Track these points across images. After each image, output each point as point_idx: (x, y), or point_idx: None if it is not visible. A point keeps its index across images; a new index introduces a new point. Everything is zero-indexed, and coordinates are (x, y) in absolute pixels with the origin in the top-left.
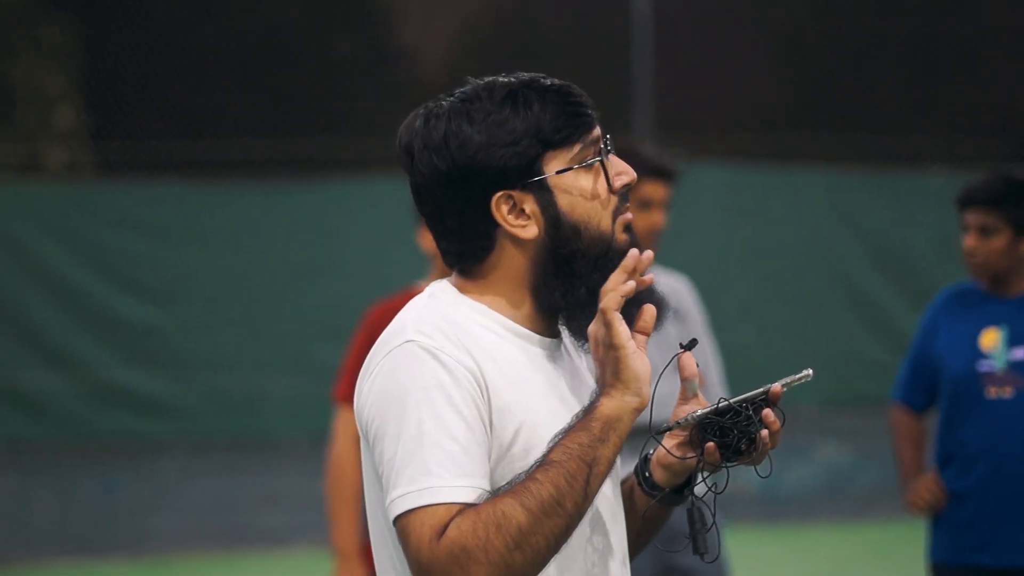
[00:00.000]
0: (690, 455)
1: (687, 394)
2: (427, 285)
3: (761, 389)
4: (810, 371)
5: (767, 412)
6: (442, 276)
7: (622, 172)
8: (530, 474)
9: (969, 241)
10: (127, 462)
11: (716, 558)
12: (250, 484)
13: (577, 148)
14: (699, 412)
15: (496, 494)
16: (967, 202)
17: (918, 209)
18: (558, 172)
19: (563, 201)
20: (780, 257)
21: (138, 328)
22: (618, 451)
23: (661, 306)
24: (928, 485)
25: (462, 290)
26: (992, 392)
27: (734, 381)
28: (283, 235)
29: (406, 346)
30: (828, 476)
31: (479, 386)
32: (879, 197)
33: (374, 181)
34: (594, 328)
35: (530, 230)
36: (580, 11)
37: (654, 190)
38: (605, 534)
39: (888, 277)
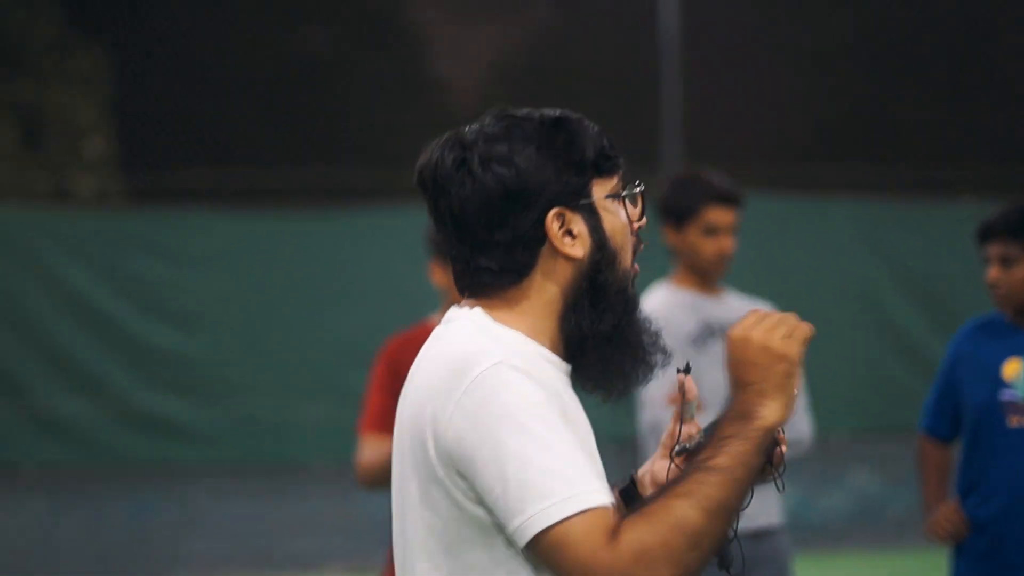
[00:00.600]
0: None
1: (685, 416)
2: (438, 317)
3: None
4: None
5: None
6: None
7: (641, 215)
8: (695, 477)
9: (992, 273)
10: (157, 487)
11: (741, 572)
12: (280, 509)
13: (616, 179)
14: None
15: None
16: (987, 234)
17: (949, 238)
18: (607, 196)
19: (608, 225)
20: (811, 286)
21: (168, 354)
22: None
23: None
24: (949, 514)
25: (495, 317)
26: (1014, 422)
27: None
28: (312, 262)
29: (496, 368)
30: (859, 503)
31: (561, 406)
32: (910, 226)
33: (404, 209)
34: (759, 333)
35: (577, 249)
36: (609, 43)
37: (721, 216)
38: None
39: (919, 305)
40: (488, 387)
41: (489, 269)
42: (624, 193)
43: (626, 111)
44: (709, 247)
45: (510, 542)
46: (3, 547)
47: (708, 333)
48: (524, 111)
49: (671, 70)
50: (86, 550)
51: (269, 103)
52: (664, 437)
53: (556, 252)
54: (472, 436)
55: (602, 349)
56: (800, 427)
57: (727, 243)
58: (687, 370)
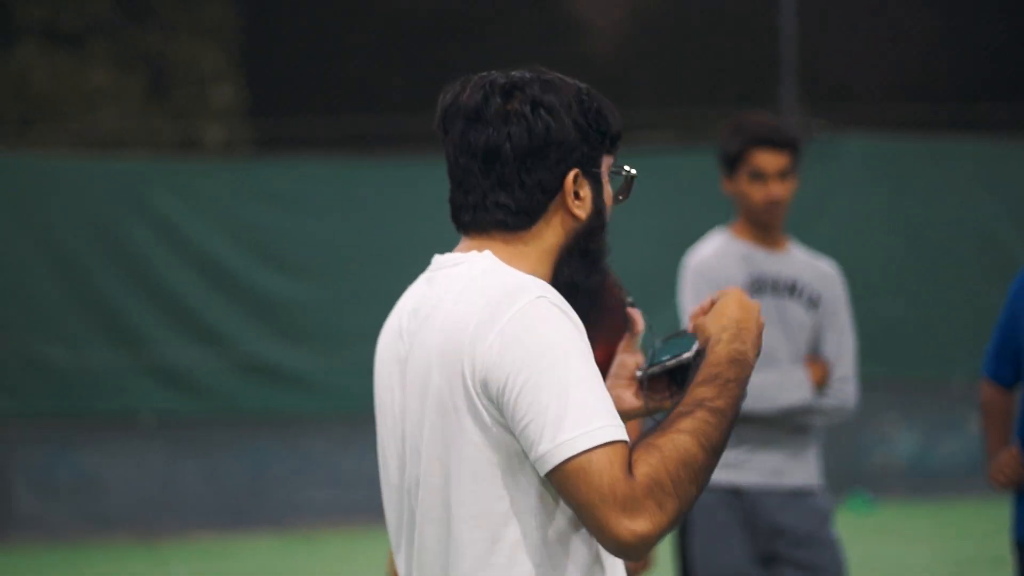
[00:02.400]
0: (664, 396)
1: (632, 346)
2: None
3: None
4: None
5: None
6: None
7: (617, 195)
8: (699, 416)
9: None
10: (275, 437)
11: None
12: None
13: (612, 157)
14: (688, 353)
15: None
16: None
17: None
18: (611, 172)
19: (606, 196)
20: (928, 228)
21: (287, 304)
22: None
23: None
24: (1009, 460)
25: (508, 260)
26: None
27: (885, 353)
28: (433, 210)
29: (539, 302)
30: (980, 450)
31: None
32: None
33: None
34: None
35: (582, 210)
36: None
37: (767, 160)
38: None
39: None
40: (531, 318)
41: (506, 207)
42: (625, 171)
43: (742, 52)
44: (757, 193)
45: (531, 471)
46: (123, 495)
47: (757, 287)
48: (556, 75)
49: (789, 13)
50: (204, 499)
51: (398, 48)
52: (614, 367)
53: (563, 208)
54: (510, 364)
55: (584, 302)
56: (844, 395)
57: (777, 189)
58: (632, 304)
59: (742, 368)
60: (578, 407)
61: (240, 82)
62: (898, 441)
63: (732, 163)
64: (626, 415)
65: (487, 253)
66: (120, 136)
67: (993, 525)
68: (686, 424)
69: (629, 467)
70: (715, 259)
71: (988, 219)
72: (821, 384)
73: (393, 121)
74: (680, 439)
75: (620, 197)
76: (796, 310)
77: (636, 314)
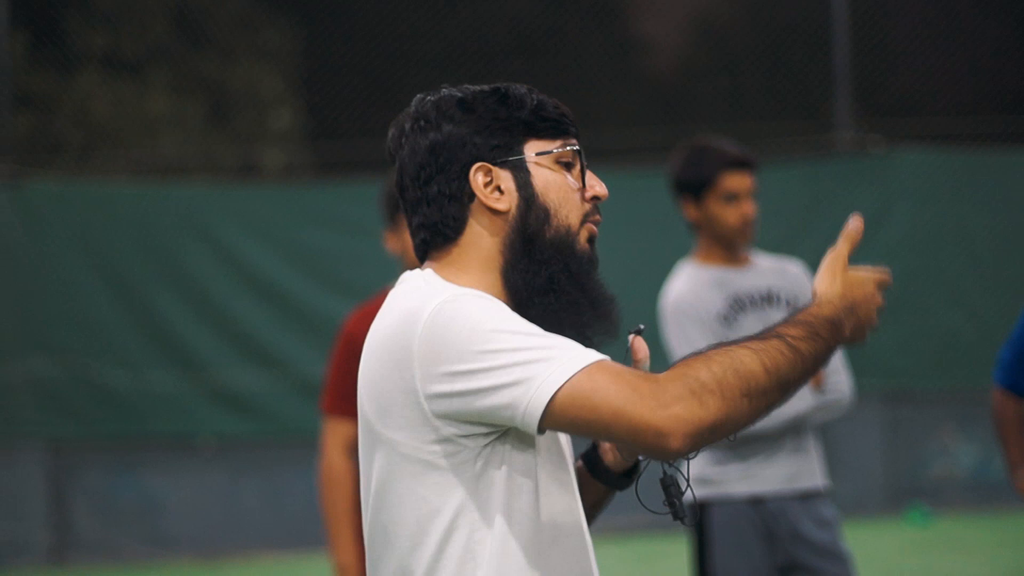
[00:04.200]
0: None
1: None
2: None
3: None
4: None
5: None
6: None
7: (596, 184)
8: (773, 343)
9: None
10: None
11: (695, 522)
12: None
13: (559, 143)
14: None
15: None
16: None
17: None
18: (538, 154)
19: (539, 182)
20: (986, 240)
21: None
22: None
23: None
24: None
25: (443, 276)
26: None
27: (944, 366)
28: None
29: (450, 298)
30: None
31: None
32: None
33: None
34: (868, 278)
35: (503, 203)
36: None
37: (738, 181)
38: (576, 511)
39: None
40: (445, 315)
41: (423, 226)
42: (555, 150)
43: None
44: (731, 215)
45: (449, 477)
46: (184, 518)
47: (738, 308)
48: (475, 86)
49: (841, 26)
50: (265, 520)
51: (460, 68)
52: None
53: (484, 207)
54: (448, 355)
55: (540, 303)
56: (840, 387)
57: (748, 208)
58: (639, 331)
59: (835, 335)
60: (542, 348)
61: (299, 106)
62: (958, 453)
63: (700, 187)
64: (620, 450)
65: (427, 271)
66: (180, 163)
67: None
68: (754, 343)
69: (635, 369)
70: (690, 292)
71: None
72: (818, 383)
73: None
74: (739, 352)
75: (584, 183)
76: (779, 317)
77: (638, 342)
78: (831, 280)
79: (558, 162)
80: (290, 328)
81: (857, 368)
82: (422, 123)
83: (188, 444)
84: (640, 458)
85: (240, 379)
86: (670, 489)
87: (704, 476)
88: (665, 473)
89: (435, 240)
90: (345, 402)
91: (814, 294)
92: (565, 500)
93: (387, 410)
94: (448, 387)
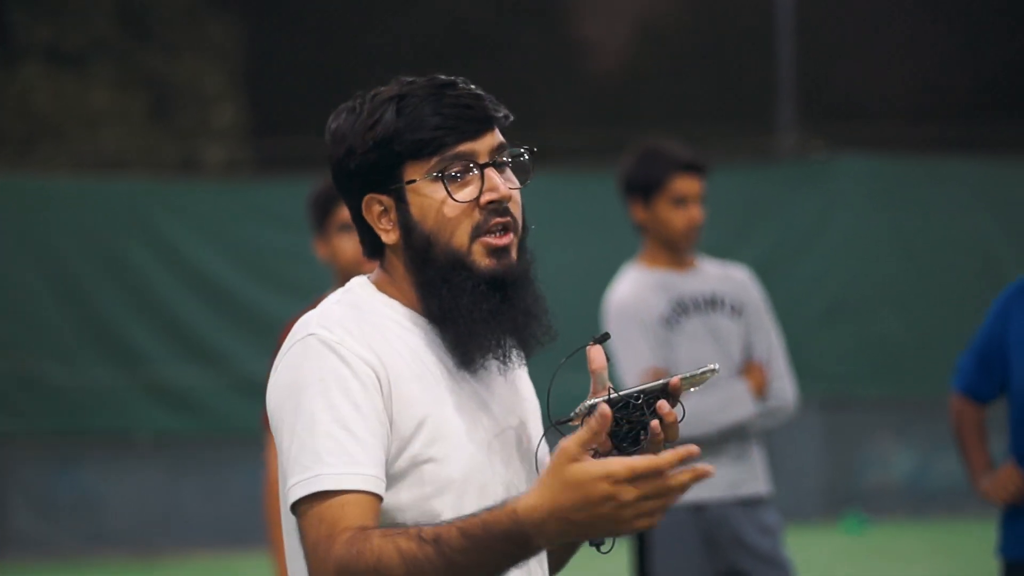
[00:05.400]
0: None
1: (596, 387)
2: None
3: (662, 381)
4: (715, 365)
5: (661, 403)
6: (343, 283)
7: (491, 189)
8: (427, 543)
9: None
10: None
11: (611, 549)
12: None
13: (435, 160)
14: (591, 401)
15: (398, 511)
16: None
17: None
18: (408, 182)
19: (415, 210)
20: (926, 247)
21: (285, 323)
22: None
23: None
24: (1010, 475)
25: (377, 283)
26: None
27: (881, 373)
28: None
29: (307, 340)
30: None
31: (379, 380)
32: None
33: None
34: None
35: (391, 236)
36: (727, 3)
37: (688, 185)
38: None
39: None
40: (292, 357)
41: (359, 237)
42: (424, 177)
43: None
44: (679, 218)
45: None
46: (121, 514)
47: (681, 311)
48: (390, 85)
49: (785, 33)
50: (203, 517)
51: (401, 67)
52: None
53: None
54: (274, 403)
55: (444, 330)
56: (783, 393)
57: (696, 213)
58: (600, 339)
59: (515, 547)
60: (306, 452)
61: (241, 102)
62: (894, 461)
63: (649, 189)
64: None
65: (363, 278)
66: (121, 157)
67: (988, 545)
68: (411, 548)
69: (344, 530)
70: (633, 296)
71: (985, 238)
72: (761, 389)
73: None
74: (390, 556)
75: (469, 196)
76: (722, 321)
77: (594, 351)
78: (541, 483)
79: (445, 178)
80: (230, 325)
81: (794, 374)
82: (329, 139)
83: (126, 440)
84: None
85: (180, 376)
86: None
87: None
88: None
89: (367, 253)
90: None
91: (517, 497)
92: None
93: None
94: (270, 419)
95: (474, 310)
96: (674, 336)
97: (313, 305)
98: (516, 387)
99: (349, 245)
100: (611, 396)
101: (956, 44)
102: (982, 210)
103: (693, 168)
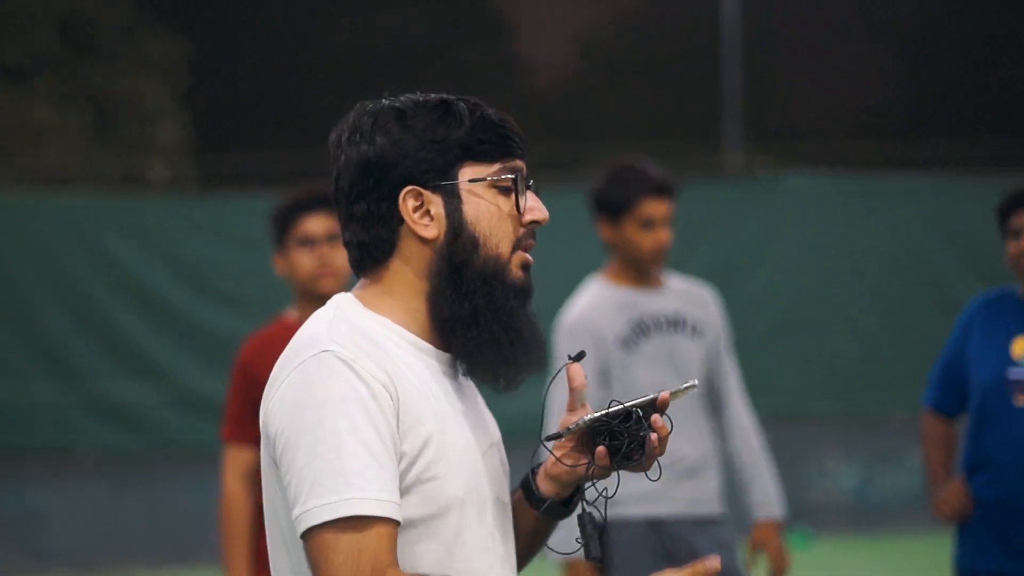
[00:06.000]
0: (581, 462)
1: (575, 405)
2: (295, 312)
3: (650, 396)
4: (695, 381)
5: (656, 417)
6: (305, 299)
7: (535, 208)
8: None
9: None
10: (217, 472)
11: (606, 564)
12: None
13: (496, 167)
14: (588, 416)
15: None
16: (1019, 203)
17: None
18: (471, 180)
19: (469, 210)
20: (871, 264)
21: (230, 340)
22: None
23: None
24: (955, 492)
25: (364, 302)
26: (1021, 400)
27: (827, 388)
28: None
29: (322, 356)
30: (922, 483)
31: (392, 400)
32: (973, 202)
33: None
34: None
35: (431, 230)
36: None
37: (656, 208)
38: (499, 546)
39: (982, 282)
40: (306, 375)
41: (351, 244)
42: (489, 178)
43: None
44: (646, 241)
45: None
46: (63, 530)
47: (639, 332)
48: (422, 94)
49: (732, 51)
50: (146, 534)
51: (345, 85)
52: (559, 427)
53: (413, 232)
54: (281, 420)
55: (463, 334)
56: (754, 428)
57: (664, 235)
58: (577, 357)
59: None
60: (331, 475)
61: (184, 118)
62: (839, 476)
63: (618, 210)
64: (554, 479)
65: (348, 296)
66: (64, 172)
67: (933, 559)
68: None
69: (378, 571)
70: (592, 311)
71: (931, 255)
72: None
73: None
74: None
75: (520, 209)
76: (683, 342)
77: (574, 369)
78: None
79: (495, 187)
80: (174, 340)
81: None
82: (357, 136)
83: (68, 456)
84: (582, 487)
85: (123, 391)
86: (586, 528)
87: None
88: (584, 510)
89: (364, 260)
90: (242, 429)
91: None
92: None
93: None
94: (272, 438)
95: (507, 316)
96: (632, 358)
97: (274, 327)
98: (481, 405)
99: (306, 259)
100: (611, 409)
101: (901, 64)
102: (929, 227)
103: (662, 190)
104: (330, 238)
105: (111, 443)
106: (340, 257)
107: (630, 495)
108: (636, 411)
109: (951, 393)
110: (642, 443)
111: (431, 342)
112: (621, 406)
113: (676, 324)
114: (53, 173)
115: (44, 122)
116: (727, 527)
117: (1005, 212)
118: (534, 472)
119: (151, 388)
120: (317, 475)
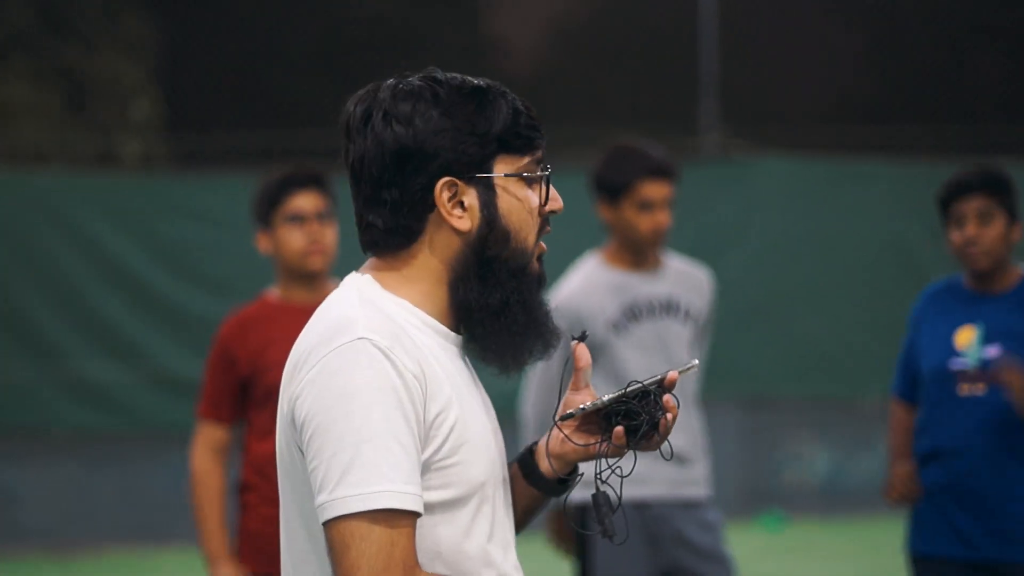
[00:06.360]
0: (591, 442)
1: (579, 384)
2: (277, 290)
3: (659, 376)
4: (696, 362)
5: (667, 397)
6: (289, 277)
7: (555, 198)
8: None
9: (971, 229)
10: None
11: (624, 540)
12: None
13: (527, 160)
14: (608, 397)
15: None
16: (966, 190)
17: None
18: (507, 175)
19: (504, 204)
20: (845, 248)
21: (204, 319)
22: None
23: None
24: (903, 477)
25: (383, 283)
26: (964, 389)
27: (800, 372)
28: (350, 224)
29: (358, 344)
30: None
31: (422, 391)
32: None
33: None
34: None
35: (465, 222)
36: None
37: (656, 190)
38: (507, 526)
39: (957, 268)
40: (340, 361)
41: (376, 227)
42: (524, 175)
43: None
44: (644, 223)
45: None
46: (36, 510)
47: (631, 316)
48: (452, 75)
49: (709, 34)
50: (118, 514)
51: (319, 64)
52: (561, 407)
53: (444, 221)
54: (312, 404)
55: (490, 323)
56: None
57: (662, 218)
58: (582, 338)
59: None
60: (362, 464)
61: (158, 96)
62: (812, 460)
63: (617, 191)
64: (559, 458)
65: (366, 277)
66: (38, 150)
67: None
68: None
69: (406, 568)
70: (583, 294)
71: (904, 240)
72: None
73: (310, 137)
74: None
75: (544, 204)
76: (675, 327)
77: (580, 349)
78: None
79: (521, 179)
80: (148, 319)
81: (715, 374)
82: (393, 119)
83: (42, 435)
84: (596, 466)
85: (96, 370)
86: (602, 507)
87: (589, 480)
88: (598, 490)
89: (385, 243)
90: (216, 408)
91: None
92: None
93: None
94: (300, 422)
95: (533, 307)
96: (622, 342)
97: (255, 305)
98: (482, 386)
99: (296, 237)
100: (630, 389)
101: (876, 50)
102: (903, 212)
103: (662, 172)
104: (319, 216)
105: (86, 423)
106: (329, 235)
107: (615, 478)
108: (653, 391)
109: (909, 381)
110: (656, 422)
111: (445, 325)
112: (640, 385)
113: (669, 308)
114: (27, 151)
115: (18, 100)
116: (712, 509)
117: (947, 200)
118: (531, 451)
119: (126, 368)
120: (350, 464)
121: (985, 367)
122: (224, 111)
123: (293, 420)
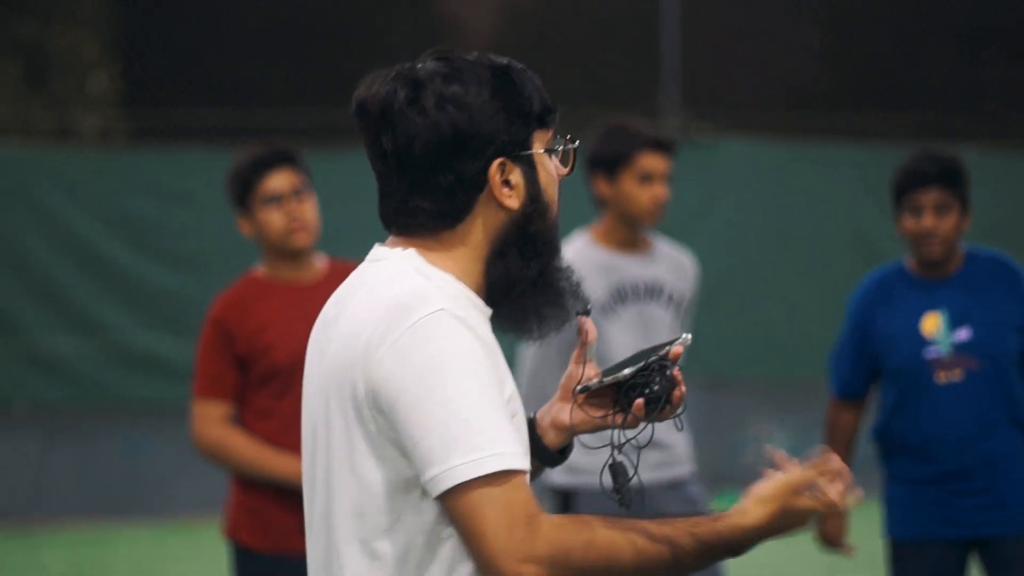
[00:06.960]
0: (603, 414)
1: (583, 358)
2: (263, 268)
3: (664, 350)
4: (688, 336)
5: (676, 371)
6: (276, 256)
7: (572, 169)
8: (660, 532)
9: (928, 221)
10: (151, 426)
11: (641, 511)
12: None
13: (551, 133)
14: (629, 369)
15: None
16: (923, 181)
17: None
18: (545, 150)
19: (543, 178)
20: (805, 232)
21: (163, 293)
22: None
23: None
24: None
25: (428, 257)
26: (942, 377)
27: (761, 357)
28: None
29: (439, 315)
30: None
31: (494, 359)
32: None
33: None
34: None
35: (514, 200)
36: None
37: (656, 162)
38: None
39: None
40: (426, 333)
41: (426, 211)
42: (561, 148)
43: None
44: (644, 195)
45: (423, 495)
46: None
47: (619, 298)
48: (480, 55)
49: (671, 16)
50: (79, 488)
51: (275, 42)
52: (564, 379)
53: (492, 200)
54: (401, 378)
55: (526, 295)
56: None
57: (661, 191)
58: (585, 312)
59: (730, 553)
60: (470, 431)
61: (116, 71)
62: (771, 441)
63: (615, 164)
64: (566, 430)
65: (410, 252)
66: None
67: (866, 525)
68: (640, 539)
69: (535, 519)
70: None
71: (865, 224)
72: None
73: (267, 114)
74: (624, 551)
75: (567, 171)
76: (657, 311)
77: (587, 322)
78: (765, 505)
79: (556, 151)
80: (108, 294)
81: None
82: (448, 103)
83: (1, 410)
84: (612, 438)
85: (56, 344)
86: (618, 477)
87: (573, 464)
88: (614, 460)
89: (433, 225)
90: (217, 385)
91: (742, 507)
92: None
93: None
94: (387, 400)
95: (565, 273)
96: (608, 324)
97: (242, 283)
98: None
99: (275, 217)
100: (650, 361)
101: (834, 37)
102: (863, 196)
103: (661, 145)
104: (296, 192)
105: (43, 396)
106: (309, 210)
107: (598, 462)
108: (669, 364)
109: (860, 378)
110: (669, 396)
111: (481, 298)
112: (656, 357)
113: (653, 292)
114: None
115: None
116: (695, 485)
117: (903, 188)
118: (532, 420)
119: (85, 342)
120: (456, 433)
121: (958, 352)
122: (182, 87)
123: (372, 397)
